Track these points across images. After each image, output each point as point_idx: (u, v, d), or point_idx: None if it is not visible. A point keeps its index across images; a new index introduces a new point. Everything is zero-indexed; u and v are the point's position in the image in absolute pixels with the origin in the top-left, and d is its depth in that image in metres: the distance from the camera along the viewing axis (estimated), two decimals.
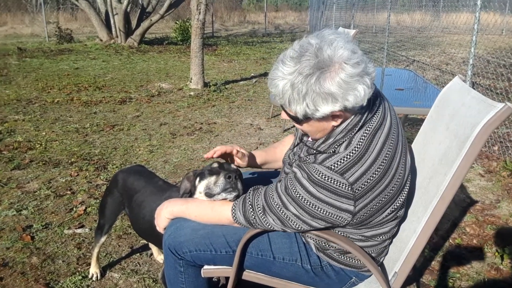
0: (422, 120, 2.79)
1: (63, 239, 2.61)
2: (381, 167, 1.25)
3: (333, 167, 1.22)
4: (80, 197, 3.15)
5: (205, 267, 1.55)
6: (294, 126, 1.53)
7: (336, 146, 1.27)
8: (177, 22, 13.75)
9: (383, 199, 1.29)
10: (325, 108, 1.18)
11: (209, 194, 1.50)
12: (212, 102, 6.17)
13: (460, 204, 3.13)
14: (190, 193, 1.60)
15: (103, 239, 2.11)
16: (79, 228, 2.74)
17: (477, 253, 2.53)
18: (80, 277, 2.25)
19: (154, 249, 2.41)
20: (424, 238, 1.35)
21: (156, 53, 11.50)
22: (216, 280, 1.93)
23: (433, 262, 2.44)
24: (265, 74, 8.44)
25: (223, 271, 1.52)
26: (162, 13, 12.46)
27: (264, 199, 1.36)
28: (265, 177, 1.85)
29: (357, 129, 1.26)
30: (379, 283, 1.38)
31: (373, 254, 1.46)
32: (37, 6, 19.81)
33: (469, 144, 1.28)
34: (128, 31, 12.81)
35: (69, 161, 3.82)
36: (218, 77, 8.01)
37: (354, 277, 1.50)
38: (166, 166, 3.76)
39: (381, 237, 1.43)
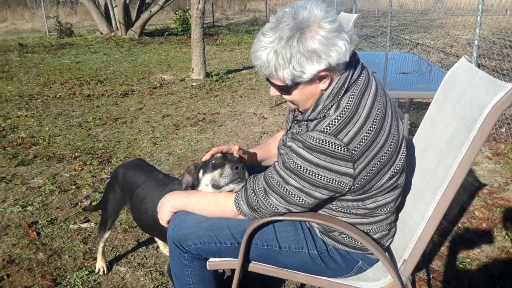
0: (428, 104, 2.74)
1: (69, 234, 2.60)
2: (373, 126, 1.25)
3: (326, 130, 1.23)
4: (85, 192, 3.14)
5: (211, 259, 1.53)
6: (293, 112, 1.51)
7: (325, 111, 1.28)
8: (177, 12, 13.64)
9: (381, 159, 1.28)
10: (311, 68, 1.21)
11: (217, 186, 1.48)
12: (215, 92, 6.12)
13: (468, 187, 3.09)
14: (193, 186, 1.58)
15: (107, 235, 2.10)
16: (84, 222, 2.73)
17: (486, 237, 2.50)
18: (86, 272, 2.24)
19: (160, 242, 2.40)
20: (433, 225, 1.32)
21: (157, 44, 11.43)
22: (221, 271, 1.91)
23: (442, 248, 2.41)
24: None
25: (228, 263, 1.50)
26: (161, 3, 12.36)
27: (264, 181, 1.35)
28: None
29: (343, 91, 1.27)
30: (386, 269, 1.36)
31: (377, 235, 1.45)
32: (36, 1, 19.71)
33: (478, 127, 1.24)
34: (128, 23, 12.73)
35: (73, 156, 3.81)
36: (220, 67, 7.95)
37: (361, 261, 1.48)
38: (170, 158, 3.74)
39: (385, 209, 1.41)
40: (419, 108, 4.86)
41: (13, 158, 3.77)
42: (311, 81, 1.25)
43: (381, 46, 8.72)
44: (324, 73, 1.23)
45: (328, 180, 1.24)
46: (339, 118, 1.24)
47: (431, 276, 2.19)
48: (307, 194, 1.28)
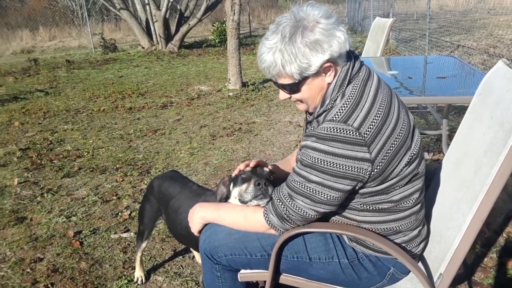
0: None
1: (110, 244, 2.69)
2: (380, 109, 1.30)
3: (335, 118, 1.27)
4: (125, 202, 3.24)
5: (242, 271, 1.53)
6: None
7: (332, 102, 1.34)
8: (214, 24, 13.90)
9: (395, 142, 1.30)
10: (316, 59, 1.28)
11: (242, 201, 1.50)
12: (251, 101, 6.17)
13: None
14: (226, 198, 1.60)
15: (144, 245, 2.16)
16: (124, 232, 2.82)
17: None
18: (126, 281, 2.31)
19: (195, 252, 2.43)
20: (471, 237, 1.27)
21: (196, 56, 11.68)
22: (255, 282, 1.92)
23: (485, 259, 2.30)
24: None
25: (259, 275, 1.50)
26: (199, 16, 12.64)
27: (287, 186, 1.36)
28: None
29: (346, 82, 1.33)
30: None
31: (406, 237, 1.43)
32: (83, 19, 20.70)
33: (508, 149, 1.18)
34: (168, 37, 13.10)
35: (115, 167, 3.94)
36: (256, 76, 8.01)
37: (392, 268, 1.44)
38: (206, 168, 3.80)
39: (411, 200, 1.39)
40: (460, 113, 4.68)
41: (59, 170, 3.95)
42: (318, 73, 1.32)
43: (420, 49, 8.49)
44: (328, 64, 1.30)
45: (347, 168, 1.25)
46: (345, 105, 1.29)
47: None
48: (329, 187, 1.28)
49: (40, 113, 6.12)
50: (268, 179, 1.51)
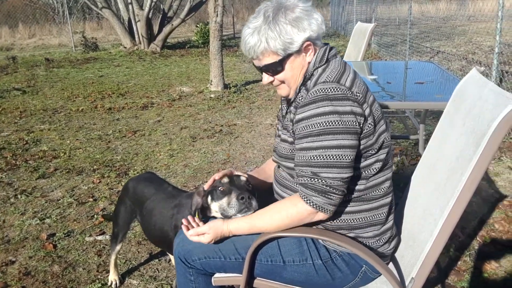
0: None
1: (84, 247, 2.64)
2: (362, 82, 1.38)
3: (328, 79, 1.32)
4: (102, 204, 3.18)
5: (216, 275, 1.52)
6: None
7: (314, 72, 1.40)
8: (198, 25, 13.85)
9: (376, 112, 1.37)
10: (298, 37, 1.35)
11: (225, 216, 1.47)
12: (233, 103, 6.16)
13: (489, 199, 3.00)
14: (203, 209, 1.57)
15: (118, 247, 2.12)
16: (99, 235, 2.77)
17: (506, 251, 2.40)
18: (99, 285, 2.26)
19: (171, 255, 2.41)
20: (442, 242, 1.28)
21: (178, 57, 11.61)
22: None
23: (459, 262, 2.34)
24: None
25: (234, 279, 1.49)
26: (183, 17, 12.58)
27: (305, 167, 1.32)
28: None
29: (325, 59, 1.41)
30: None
31: (377, 231, 1.45)
32: (64, 17, 20.36)
33: (486, 141, 1.20)
34: (151, 37, 12.99)
35: (92, 169, 3.88)
36: (239, 78, 8.00)
37: (364, 265, 1.44)
38: (186, 170, 3.77)
39: (381, 189, 1.43)
40: (438, 118, 4.75)
41: (34, 171, 3.86)
42: (299, 52, 1.38)
43: (401, 54, 8.61)
44: (308, 42, 1.37)
45: (352, 123, 1.28)
46: (334, 70, 1.36)
47: None
48: (347, 147, 1.29)
49: (16, 112, 5.98)
50: (249, 190, 1.49)
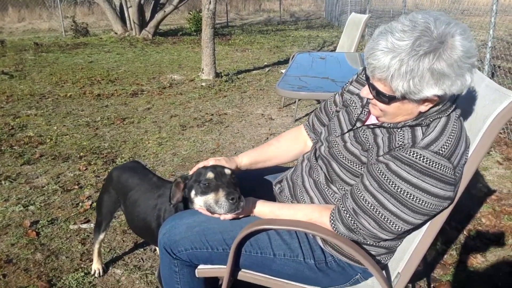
0: None
1: (68, 235, 2.60)
2: (468, 150, 1.22)
3: (441, 152, 1.14)
4: (87, 192, 3.13)
5: (200, 266, 1.49)
6: (310, 114, 1.45)
7: (430, 120, 1.21)
8: (191, 12, 13.67)
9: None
10: (429, 91, 1.12)
11: (212, 212, 1.42)
12: (224, 92, 6.09)
13: (477, 193, 3.00)
14: (184, 201, 1.52)
15: (101, 236, 2.08)
16: (84, 223, 2.72)
17: (492, 246, 2.41)
18: (82, 274, 2.23)
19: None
20: (429, 238, 1.27)
21: (170, 44, 11.47)
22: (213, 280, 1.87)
23: (445, 256, 2.34)
24: (279, 63, 8.31)
25: (217, 271, 1.46)
26: (175, 4, 12.39)
27: (353, 201, 1.25)
28: (262, 173, 1.78)
29: (450, 110, 1.21)
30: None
31: (389, 256, 1.40)
32: (54, 1, 20.00)
33: (479, 138, 1.18)
34: (143, 23, 12.80)
35: (79, 155, 3.81)
36: (231, 67, 7.92)
37: (359, 274, 1.43)
38: (174, 159, 3.72)
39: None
40: None
41: (19, 156, 3.79)
42: (418, 101, 1.17)
43: None
44: (435, 98, 1.15)
45: (430, 206, 1.17)
46: (450, 138, 1.16)
47: (432, 285, 2.12)
48: (404, 221, 1.20)
49: (3, 97, 5.86)
50: (234, 183, 1.44)
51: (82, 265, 2.31)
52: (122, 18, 12.96)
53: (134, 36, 12.55)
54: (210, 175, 1.43)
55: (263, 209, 1.43)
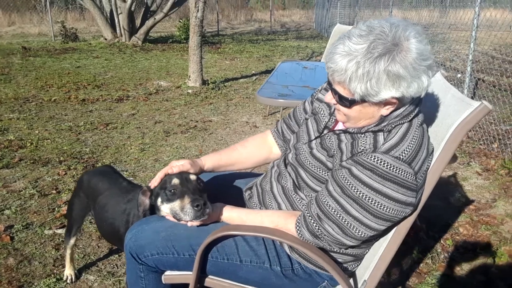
0: None
1: (42, 240, 2.55)
2: (431, 157, 1.22)
3: (401, 157, 1.15)
4: (65, 197, 3.09)
5: (166, 273, 1.47)
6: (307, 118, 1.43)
7: (392, 126, 1.22)
8: (181, 20, 13.70)
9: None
10: (386, 93, 1.14)
11: (178, 219, 1.41)
12: (210, 100, 6.09)
13: (455, 203, 3.02)
14: (151, 209, 1.50)
15: (72, 241, 2.05)
16: (59, 228, 2.68)
17: (469, 255, 2.42)
18: (54, 279, 2.19)
19: None
20: (395, 245, 1.27)
21: (160, 51, 11.46)
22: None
23: (421, 265, 2.34)
24: (266, 72, 8.34)
25: (184, 277, 1.44)
26: (166, 11, 12.40)
27: (317, 206, 1.25)
28: (232, 179, 1.77)
29: (412, 116, 1.22)
30: None
31: (355, 264, 1.40)
32: (45, 6, 19.90)
33: (442, 147, 1.19)
34: (133, 30, 12.78)
35: (58, 160, 3.77)
36: (219, 75, 7.93)
37: (326, 281, 1.42)
38: (156, 165, 3.70)
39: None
40: None
41: None
42: (377, 103, 1.19)
43: None
44: (394, 100, 1.17)
45: (392, 211, 1.16)
46: (411, 144, 1.17)
47: None
48: (367, 226, 1.19)
49: None
50: (200, 190, 1.43)
51: (55, 271, 2.27)
52: (112, 24, 12.93)
53: (123, 42, 12.52)
54: (176, 181, 1.41)
55: (231, 214, 1.42)
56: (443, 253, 2.44)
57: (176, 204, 1.39)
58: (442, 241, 2.55)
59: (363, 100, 1.18)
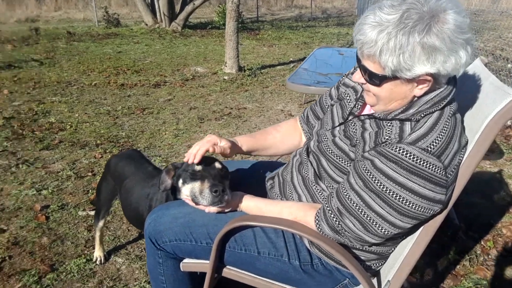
0: None
1: (75, 221, 2.63)
2: (463, 150, 1.12)
3: (429, 149, 1.06)
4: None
5: (185, 260, 1.46)
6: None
7: (420, 116, 1.13)
8: (220, 6, 13.67)
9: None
10: (420, 68, 1.06)
11: (196, 202, 1.39)
12: (246, 86, 6.06)
13: (499, 202, 2.85)
14: (173, 190, 1.50)
15: (101, 224, 2.09)
16: (93, 210, 2.73)
17: (510, 258, 2.28)
18: (84, 260, 2.24)
19: None
20: (421, 245, 1.19)
21: (198, 37, 11.51)
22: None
23: (458, 266, 2.22)
24: (304, 59, 8.19)
25: (202, 265, 1.42)
26: None
27: (337, 200, 1.19)
28: (258, 168, 1.73)
29: (444, 103, 1.13)
30: None
31: (379, 262, 1.33)
32: None
33: (476, 139, 1.09)
34: (172, 16, 12.89)
35: (96, 143, 3.86)
36: (256, 62, 7.87)
37: (348, 279, 1.36)
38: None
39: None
40: None
41: (39, 142, 3.87)
42: (410, 81, 1.10)
43: None
44: (428, 78, 1.09)
45: (420, 209, 1.08)
46: (441, 136, 1.09)
47: None
48: (391, 223, 1.12)
49: (30, 83, 6.02)
50: (221, 176, 1.40)
51: (86, 252, 2.33)
52: (152, 9, 13.09)
53: (163, 28, 12.66)
54: (198, 166, 1.40)
55: (249, 204, 1.39)
56: (482, 255, 2.31)
57: (195, 187, 1.38)
58: (482, 242, 2.41)
59: (394, 77, 1.10)
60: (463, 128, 1.18)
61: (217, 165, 1.43)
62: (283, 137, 1.64)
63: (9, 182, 3.11)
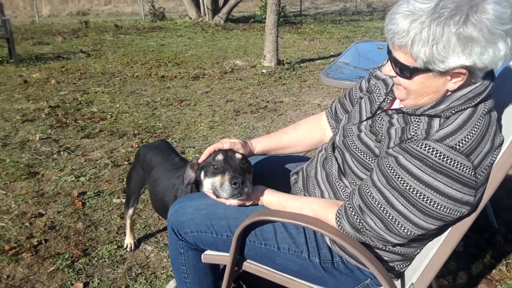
0: None
1: (110, 208, 2.70)
2: (496, 151, 1.06)
3: (458, 147, 1.00)
4: None
5: (206, 252, 1.46)
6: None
7: (451, 112, 1.07)
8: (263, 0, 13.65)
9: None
10: (455, 60, 1.00)
11: (217, 195, 1.39)
12: (283, 80, 6.01)
13: None
14: (196, 184, 1.51)
15: (130, 212, 2.13)
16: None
17: None
18: (115, 246, 2.31)
19: None
20: (447, 249, 1.13)
21: (240, 31, 11.56)
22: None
23: (493, 271, 2.11)
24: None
25: (223, 258, 1.42)
26: None
27: (359, 197, 1.15)
28: (285, 163, 1.70)
29: (479, 99, 1.06)
30: None
31: (403, 263, 1.28)
32: None
33: (511, 139, 1.01)
34: (216, 9, 13.02)
35: (133, 133, 3.96)
36: (295, 55, 7.80)
37: (370, 279, 1.31)
38: None
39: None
40: None
41: (81, 130, 4.02)
42: (443, 74, 1.04)
43: None
44: (463, 71, 1.02)
45: (446, 211, 1.02)
46: (472, 134, 1.02)
47: None
48: (414, 224, 1.06)
49: (77, 74, 6.26)
50: (243, 169, 1.39)
51: (118, 238, 2.39)
52: (197, 3, 13.27)
53: (206, 21, 12.81)
54: (220, 157, 1.40)
55: (270, 199, 1.36)
56: None
57: (216, 180, 1.37)
58: None
59: (427, 69, 1.04)
60: (498, 127, 1.10)
61: (238, 155, 1.42)
62: (301, 136, 1.62)
63: (50, 168, 3.25)
